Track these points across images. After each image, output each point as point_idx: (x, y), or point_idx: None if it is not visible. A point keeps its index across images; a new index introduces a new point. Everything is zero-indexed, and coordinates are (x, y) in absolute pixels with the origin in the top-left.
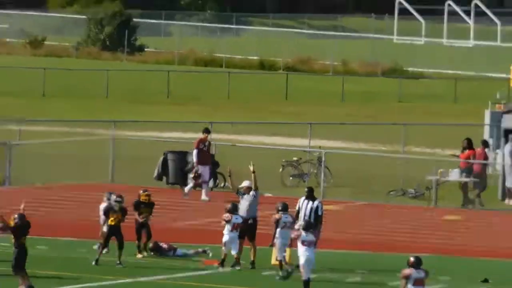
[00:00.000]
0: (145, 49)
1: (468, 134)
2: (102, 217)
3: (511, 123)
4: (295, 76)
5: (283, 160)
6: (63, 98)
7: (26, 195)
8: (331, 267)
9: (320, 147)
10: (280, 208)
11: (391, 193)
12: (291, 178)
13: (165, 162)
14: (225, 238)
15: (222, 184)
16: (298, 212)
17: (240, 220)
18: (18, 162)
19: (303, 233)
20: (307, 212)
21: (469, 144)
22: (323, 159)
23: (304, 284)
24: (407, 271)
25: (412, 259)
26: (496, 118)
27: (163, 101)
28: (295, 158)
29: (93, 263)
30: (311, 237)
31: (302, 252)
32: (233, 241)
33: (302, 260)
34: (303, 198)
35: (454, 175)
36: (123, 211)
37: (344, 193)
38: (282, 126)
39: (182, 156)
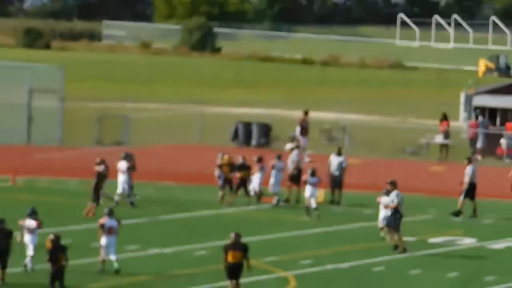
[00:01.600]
0: (222, 50)
1: (448, 110)
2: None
3: (479, 102)
4: (327, 68)
5: (320, 128)
6: (163, 84)
7: (138, 153)
8: (353, 204)
9: (345, 119)
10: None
11: (406, 149)
12: (325, 140)
13: (236, 129)
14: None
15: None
16: (330, 164)
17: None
18: (133, 129)
19: (309, 177)
20: (335, 165)
21: (445, 117)
22: (347, 127)
23: (306, 209)
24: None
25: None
26: (469, 99)
27: (235, 86)
28: (327, 127)
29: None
30: (315, 179)
31: (310, 190)
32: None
33: (308, 195)
34: (333, 154)
35: (437, 138)
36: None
37: (362, 152)
38: (318, 104)
39: (248, 125)
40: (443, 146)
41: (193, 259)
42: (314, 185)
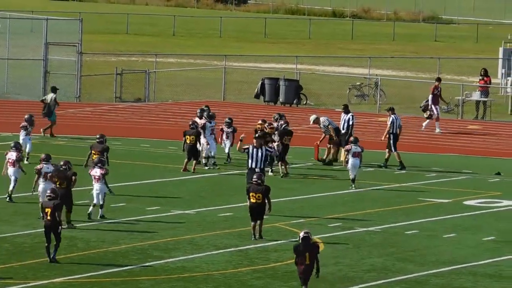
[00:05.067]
0: (248, 1)
1: (485, 65)
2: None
3: None
4: (358, 22)
5: (350, 84)
6: (187, 37)
7: (159, 109)
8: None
9: (376, 74)
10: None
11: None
12: (355, 97)
13: (262, 86)
14: None
15: (304, 102)
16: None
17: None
18: (155, 85)
19: (353, 146)
20: (342, 122)
21: (485, 73)
22: (379, 83)
23: (352, 180)
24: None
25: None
26: (507, 54)
27: (261, 40)
28: (358, 83)
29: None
30: (358, 149)
31: (352, 160)
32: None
33: (350, 165)
34: (343, 113)
35: (475, 96)
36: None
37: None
38: (348, 59)
39: (275, 82)
40: (481, 104)
41: (217, 220)
42: (357, 155)
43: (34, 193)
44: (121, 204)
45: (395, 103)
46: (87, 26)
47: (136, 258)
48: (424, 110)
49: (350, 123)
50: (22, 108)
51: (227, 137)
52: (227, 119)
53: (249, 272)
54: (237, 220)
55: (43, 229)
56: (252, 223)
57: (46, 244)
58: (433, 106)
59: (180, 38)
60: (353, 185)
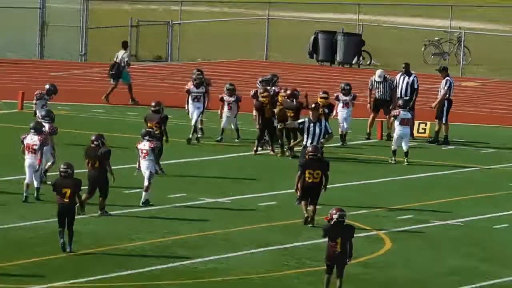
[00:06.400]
0: None
1: None
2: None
3: None
4: None
5: (425, 40)
6: None
7: (184, 71)
8: (467, 139)
9: (460, 27)
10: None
11: None
12: (432, 56)
13: (315, 41)
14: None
15: (368, 62)
16: (395, 87)
17: None
18: (179, 40)
19: (402, 111)
20: (404, 87)
21: None
22: (463, 39)
23: (393, 153)
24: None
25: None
26: None
27: None
28: (436, 38)
29: None
30: (408, 115)
31: (400, 129)
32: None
33: (396, 134)
34: (400, 74)
35: None
36: None
37: (481, 71)
38: (425, 8)
39: (331, 36)
40: None
41: (257, 211)
42: (406, 122)
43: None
44: (136, 190)
45: (483, 64)
46: None
47: (156, 257)
48: None
49: (415, 86)
50: (11, 69)
51: (230, 108)
52: (227, 85)
53: (296, 275)
54: (282, 210)
55: (57, 213)
56: (303, 201)
57: (60, 229)
58: None
59: None
60: (394, 158)
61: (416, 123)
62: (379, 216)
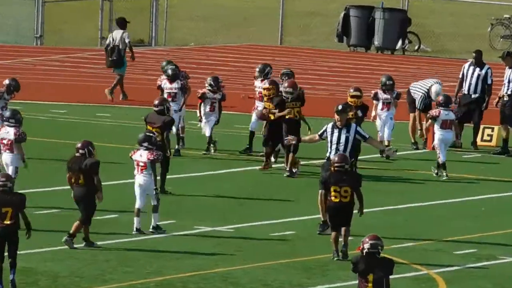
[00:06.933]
0: None
1: None
2: None
3: None
4: None
5: (492, 18)
6: None
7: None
8: None
9: None
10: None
11: None
12: (501, 39)
13: (345, 19)
14: None
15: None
16: (462, 80)
17: None
18: (167, 19)
19: (442, 110)
20: (474, 81)
21: None
22: None
23: (439, 164)
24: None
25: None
26: None
27: None
28: (506, 16)
29: None
30: (451, 115)
31: (442, 134)
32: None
33: (437, 140)
34: (468, 63)
35: None
36: None
37: None
38: None
39: (367, 13)
40: None
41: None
42: (448, 124)
43: None
44: (111, 216)
45: None
46: None
47: None
48: None
49: (489, 81)
50: None
51: (212, 109)
52: (209, 80)
53: None
54: (301, 242)
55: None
56: (333, 232)
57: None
58: None
59: None
60: (441, 172)
61: (481, 127)
62: (429, 250)
